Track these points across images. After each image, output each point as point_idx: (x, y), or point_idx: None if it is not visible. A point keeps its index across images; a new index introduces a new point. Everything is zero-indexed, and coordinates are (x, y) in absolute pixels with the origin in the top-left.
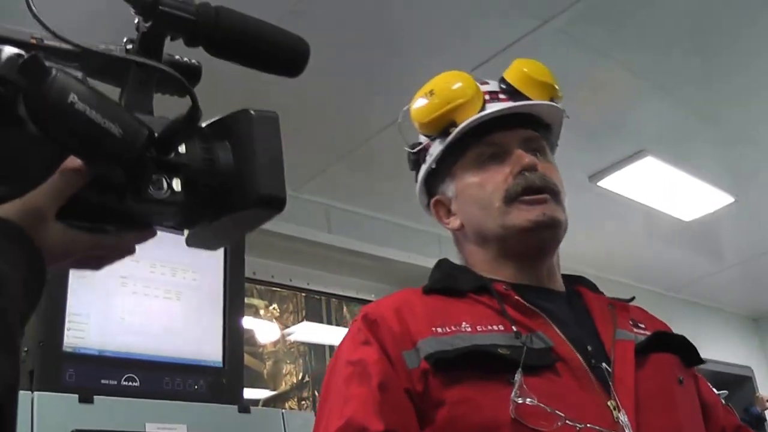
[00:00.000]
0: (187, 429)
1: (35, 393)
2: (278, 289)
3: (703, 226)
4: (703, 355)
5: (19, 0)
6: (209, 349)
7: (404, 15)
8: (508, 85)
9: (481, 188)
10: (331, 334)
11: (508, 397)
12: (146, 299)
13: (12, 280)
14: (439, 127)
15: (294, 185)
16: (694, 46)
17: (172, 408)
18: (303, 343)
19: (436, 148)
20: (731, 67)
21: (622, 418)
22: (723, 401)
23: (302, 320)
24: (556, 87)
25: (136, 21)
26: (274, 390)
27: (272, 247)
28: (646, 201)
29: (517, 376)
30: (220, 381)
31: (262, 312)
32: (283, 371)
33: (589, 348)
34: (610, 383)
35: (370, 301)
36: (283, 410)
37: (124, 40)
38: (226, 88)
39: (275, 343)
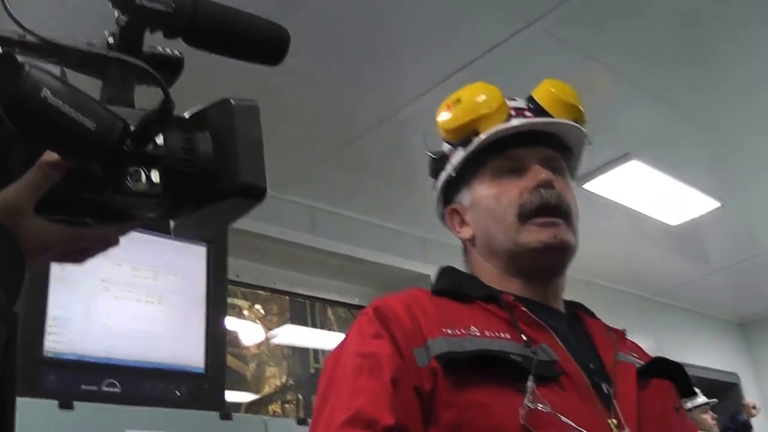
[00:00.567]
0: None
1: None
2: (260, 291)
3: (689, 230)
4: (689, 360)
5: None
6: (191, 354)
7: (390, 16)
8: (536, 103)
9: (496, 201)
10: (314, 338)
11: (517, 404)
12: (128, 303)
13: None
14: (463, 135)
15: (278, 186)
16: (683, 51)
17: (153, 414)
18: (287, 346)
19: (457, 157)
20: (720, 72)
21: None
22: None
23: (287, 322)
24: (582, 110)
25: (116, 15)
26: (257, 392)
27: (256, 249)
28: (631, 204)
29: (529, 383)
30: (201, 387)
31: (246, 313)
32: (267, 374)
33: (592, 366)
34: (613, 401)
35: (354, 305)
36: (266, 417)
37: (106, 33)
38: (208, 90)
39: (259, 345)
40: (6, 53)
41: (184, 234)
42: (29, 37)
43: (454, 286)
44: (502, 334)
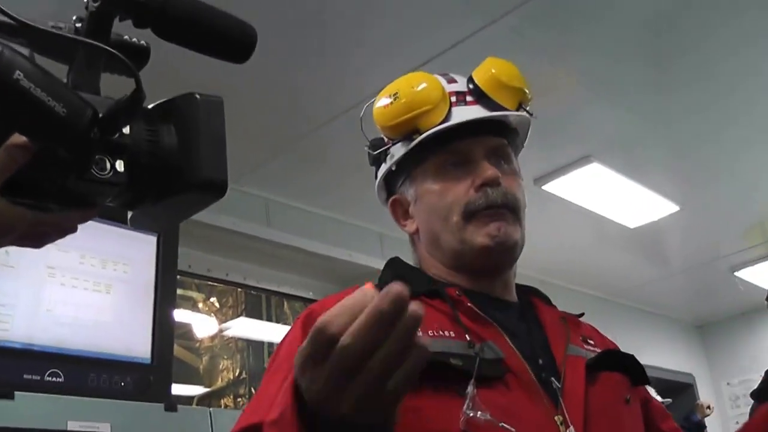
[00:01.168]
0: (111, 427)
1: None
2: (214, 283)
3: (648, 233)
4: (645, 361)
5: None
6: (138, 345)
7: (351, 9)
8: (476, 86)
9: (440, 197)
10: (268, 331)
11: (458, 408)
12: (74, 291)
13: None
14: (403, 132)
15: (232, 177)
16: (647, 55)
17: (97, 405)
18: (241, 339)
19: (398, 151)
20: (682, 78)
21: None
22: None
23: (242, 315)
24: (526, 91)
25: (85, 0)
26: (209, 385)
27: (209, 239)
28: (591, 206)
29: (470, 389)
30: (147, 378)
31: (200, 305)
32: (220, 367)
33: (540, 362)
34: (560, 398)
35: (308, 299)
36: (211, 409)
37: (74, 18)
38: (166, 77)
39: (212, 338)
40: None
41: (141, 225)
42: (0, 17)
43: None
44: (445, 332)
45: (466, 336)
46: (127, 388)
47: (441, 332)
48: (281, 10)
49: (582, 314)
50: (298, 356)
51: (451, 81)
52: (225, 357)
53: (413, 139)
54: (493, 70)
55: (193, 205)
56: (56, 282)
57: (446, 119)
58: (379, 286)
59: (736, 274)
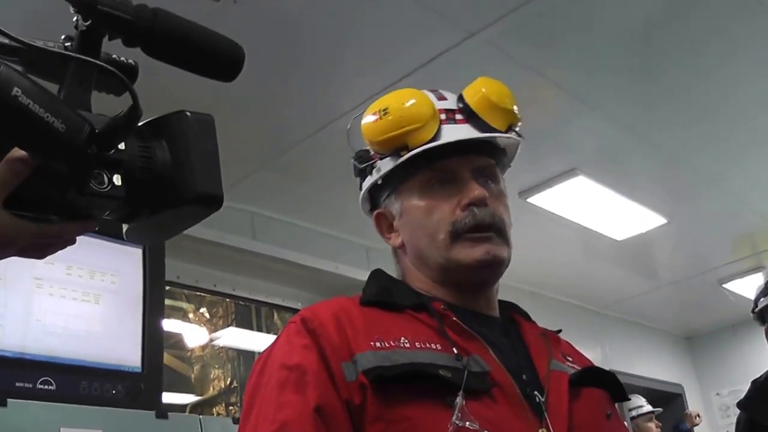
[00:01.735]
0: None
1: None
2: (202, 294)
3: (636, 245)
4: (635, 372)
5: None
6: (128, 354)
7: (331, 22)
8: (467, 105)
9: (427, 215)
10: (259, 341)
11: (446, 419)
12: (63, 301)
13: None
14: (391, 147)
15: None
16: (632, 68)
17: (88, 413)
18: (231, 349)
19: (385, 165)
20: (668, 90)
21: None
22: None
23: (231, 325)
24: (515, 113)
25: (75, 19)
26: (201, 395)
27: (196, 251)
28: (578, 219)
29: (459, 399)
30: (138, 386)
31: (191, 316)
32: (211, 376)
33: (524, 377)
34: (544, 412)
35: (296, 309)
36: (201, 416)
37: (62, 37)
38: (151, 90)
39: (203, 348)
40: None
41: (136, 239)
42: None
43: (383, 295)
44: (432, 345)
45: (453, 349)
46: (119, 396)
47: (428, 344)
48: (263, 25)
49: (560, 330)
50: None
51: (441, 98)
52: (216, 366)
53: (401, 155)
54: (484, 90)
55: (188, 219)
56: (44, 292)
57: (435, 137)
58: (364, 302)
59: (724, 286)
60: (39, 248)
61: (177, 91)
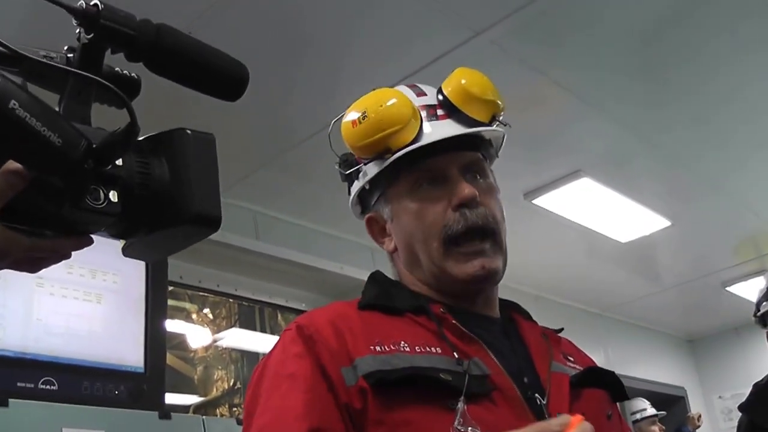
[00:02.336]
0: None
1: None
2: (205, 294)
3: (639, 248)
4: (638, 374)
5: None
6: (131, 354)
7: (336, 21)
8: (446, 98)
9: (418, 218)
10: (262, 342)
11: (447, 423)
12: (64, 301)
13: None
14: (373, 152)
15: (220, 188)
16: (637, 70)
17: (90, 413)
18: (235, 350)
19: (371, 170)
20: (675, 93)
21: None
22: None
23: (235, 326)
24: (499, 102)
25: (78, 31)
26: (205, 395)
27: (199, 251)
28: (582, 221)
29: (460, 404)
30: (140, 387)
31: (194, 316)
32: (215, 377)
33: (526, 379)
34: (546, 415)
35: (300, 310)
36: (204, 417)
37: (65, 48)
38: (153, 90)
39: (207, 348)
40: None
41: (133, 255)
42: None
43: (382, 299)
44: (432, 349)
45: (454, 353)
46: (121, 397)
47: (428, 348)
48: (267, 26)
49: (561, 329)
50: None
51: (420, 94)
52: (219, 367)
53: (385, 158)
54: (463, 81)
55: (186, 238)
56: (45, 292)
57: (418, 136)
58: (362, 306)
59: (727, 289)
60: (32, 262)
61: (180, 90)
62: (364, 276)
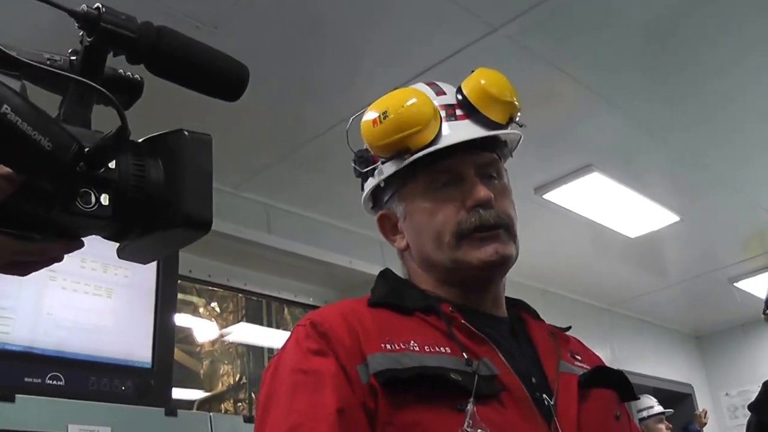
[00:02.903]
0: (111, 431)
1: None
2: (215, 288)
3: (648, 243)
4: (644, 371)
5: None
6: (138, 349)
7: (351, 20)
8: (465, 98)
9: (431, 217)
10: (269, 336)
11: (456, 424)
12: (75, 295)
13: None
14: (392, 151)
15: (234, 183)
16: (649, 65)
17: (97, 409)
18: (241, 344)
19: (387, 168)
20: (686, 89)
21: None
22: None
23: (242, 320)
24: (516, 103)
25: (80, 34)
26: (210, 390)
27: (210, 245)
28: (591, 215)
29: (470, 406)
30: (147, 382)
31: (201, 310)
32: (220, 372)
33: (534, 380)
34: (554, 416)
35: (309, 305)
36: (211, 414)
37: (69, 51)
38: (164, 82)
39: (213, 343)
40: None
41: (128, 257)
42: None
43: (392, 297)
44: (441, 349)
45: (463, 354)
46: (128, 392)
47: (437, 348)
48: (283, 20)
49: (569, 327)
50: None
51: (440, 93)
52: (225, 362)
53: (403, 158)
54: (483, 82)
55: (178, 241)
56: (57, 286)
57: (437, 137)
58: (373, 304)
59: (735, 284)
60: (20, 266)
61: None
62: (374, 270)
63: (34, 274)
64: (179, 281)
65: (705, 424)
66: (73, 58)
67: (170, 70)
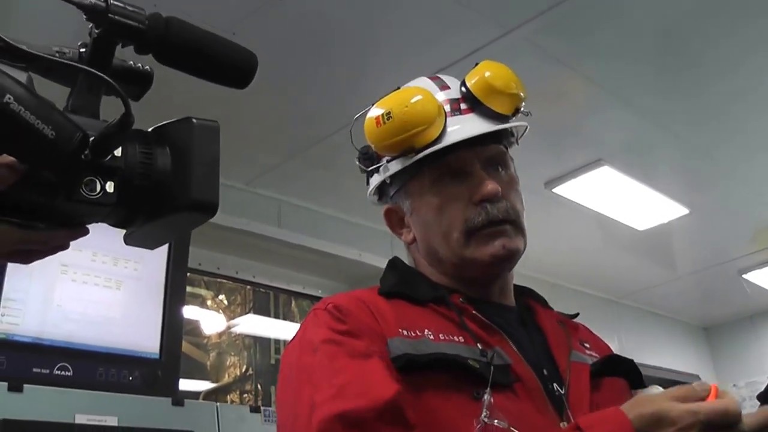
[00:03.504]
0: (118, 421)
1: None
2: (223, 280)
3: (657, 236)
4: (653, 362)
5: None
6: (147, 340)
7: (367, 16)
8: (470, 92)
9: (439, 212)
10: (276, 328)
11: (471, 411)
12: (85, 287)
13: None
14: (397, 150)
15: (246, 179)
16: (659, 62)
17: (104, 399)
18: (248, 336)
19: (393, 166)
20: (694, 84)
21: None
22: None
23: (249, 313)
24: (521, 94)
25: (89, 26)
26: (216, 381)
27: (220, 238)
28: (600, 209)
29: (487, 396)
30: (155, 373)
31: (209, 303)
32: (227, 363)
33: (545, 371)
34: (566, 406)
35: (317, 297)
36: (218, 404)
37: (79, 43)
38: (182, 81)
39: (220, 335)
40: None
41: (134, 243)
42: None
43: (403, 287)
44: (455, 338)
45: (477, 344)
46: (135, 383)
47: (451, 337)
48: (296, 18)
49: (577, 314)
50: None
51: (444, 87)
52: (232, 353)
53: (409, 157)
54: (487, 74)
55: (185, 225)
56: (68, 278)
57: (442, 133)
58: (386, 294)
59: (744, 276)
60: (23, 254)
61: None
62: (382, 263)
63: (45, 267)
64: (188, 274)
65: None
66: (82, 50)
67: (178, 60)
